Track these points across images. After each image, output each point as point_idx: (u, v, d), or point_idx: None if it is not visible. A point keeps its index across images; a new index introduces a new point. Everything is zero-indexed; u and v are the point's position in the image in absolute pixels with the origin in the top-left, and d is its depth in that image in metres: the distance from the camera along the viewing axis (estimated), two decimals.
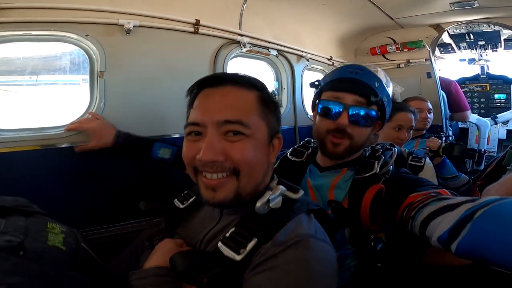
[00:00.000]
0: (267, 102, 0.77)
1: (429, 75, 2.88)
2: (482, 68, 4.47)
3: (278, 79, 2.29)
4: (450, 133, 3.07)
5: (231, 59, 1.86)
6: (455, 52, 4.23)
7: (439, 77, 2.98)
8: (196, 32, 1.63)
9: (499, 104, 4.37)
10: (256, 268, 0.63)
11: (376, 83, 1.01)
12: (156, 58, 1.52)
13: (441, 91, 2.94)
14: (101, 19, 1.33)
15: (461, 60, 4.51)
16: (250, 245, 0.65)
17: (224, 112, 0.69)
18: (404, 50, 2.86)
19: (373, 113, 1.01)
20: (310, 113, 2.44)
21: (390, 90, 1.11)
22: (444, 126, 2.90)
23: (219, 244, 0.68)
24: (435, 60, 2.98)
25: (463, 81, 4.52)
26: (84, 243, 0.70)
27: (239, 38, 1.84)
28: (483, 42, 3.76)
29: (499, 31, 3.37)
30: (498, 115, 4.06)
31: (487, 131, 3.94)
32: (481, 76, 4.49)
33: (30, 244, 0.58)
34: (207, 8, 1.69)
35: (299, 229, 0.68)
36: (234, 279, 0.64)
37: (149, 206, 0.95)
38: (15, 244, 0.56)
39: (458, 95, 3.18)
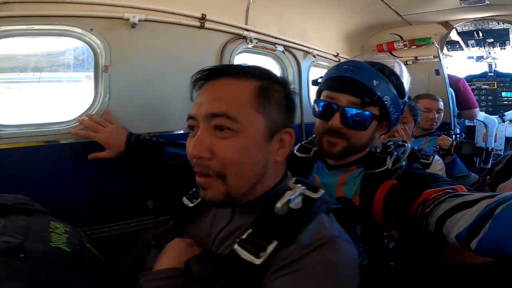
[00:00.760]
0: (269, 92, 0.70)
1: (438, 72, 2.84)
2: (490, 65, 4.41)
3: (284, 75, 2.24)
4: (458, 130, 3.04)
5: (237, 54, 1.83)
6: (462, 49, 4.17)
7: (448, 74, 2.94)
8: (202, 27, 1.60)
9: (506, 102, 4.32)
10: (278, 272, 0.60)
11: (374, 82, 0.95)
12: (162, 53, 1.49)
13: (450, 88, 2.90)
14: (106, 13, 1.30)
15: (469, 57, 4.44)
16: (270, 248, 0.62)
17: (212, 104, 0.66)
18: (412, 47, 2.82)
19: (368, 114, 0.95)
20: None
21: (406, 85, 1.05)
22: (453, 124, 2.87)
23: (236, 246, 0.64)
24: (443, 57, 2.94)
25: (470, 79, 4.45)
26: (89, 243, 0.67)
27: (245, 33, 1.81)
28: (492, 40, 3.71)
29: (508, 28, 3.31)
30: (505, 113, 4.01)
31: (494, 129, 3.89)
32: (489, 74, 4.43)
33: (31, 245, 0.54)
34: (214, 2, 1.65)
35: (322, 231, 0.65)
36: (253, 284, 0.61)
37: (157, 205, 0.92)
38: (14, 246, 0.52)
39: (467, 92, 3.14)
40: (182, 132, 1.54)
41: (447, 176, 1.85)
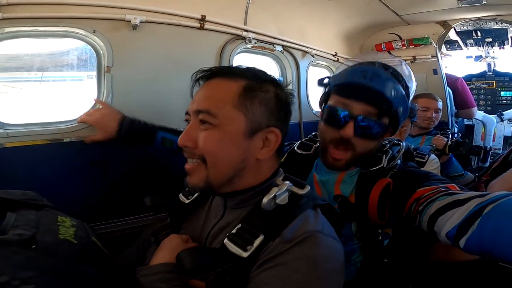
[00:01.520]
0: (254, 92, 0.73)
1: (435, 71, 2.85)
2: (489, 65, 4.42)
3: (283, 75, 2.27)
4: (456, 130, 3.05)
5: (236, 54, 1.86)
6: (461, 49, 4.19)
7: (446, 73, 2.96)
8: (202, 28, 1.63)
9: (505, 102, 4.34)
10: (263, 265, 0.63)
11: (392, 92, 0.90)
12: (163, 54, 1.52)
13: (448, 87, 2.91)
14: (108, 15, 1.33)
15: (467, 57, 4.46)
16: (257, 242, 0.65)
17: (200, 102, 0.73)
18: (410, 46, 2.84)
19: (382, 126, 0.93)
20: (315, 108, 2.44)
21: (412, 89, 1.03)
22: (450, 123, 2.88)
23: (226, 240, 0.68)
24: (441, 57, 2.95)
25: (469, 78, 4.48)
26: (95, 237, 0.71)
27: (244, 33, 1.83)
28: (490, 39, 3.73)
29: (506, 28, 3.34)
30: (504, 112, 4.03)
31: (493, 128, 3.91)
32: (488, 73, 4.45)
33: (41, 237, 0.58)
34: (213, 3, 1.68)
35: (306, 226, 0.67)
36: (241, 276, 0.64)
37: (155, 201, 0.95)
38: (27, 238, 0.56)
39: (465, 91, 3.15)
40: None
41: (442, 175, 1.87)
